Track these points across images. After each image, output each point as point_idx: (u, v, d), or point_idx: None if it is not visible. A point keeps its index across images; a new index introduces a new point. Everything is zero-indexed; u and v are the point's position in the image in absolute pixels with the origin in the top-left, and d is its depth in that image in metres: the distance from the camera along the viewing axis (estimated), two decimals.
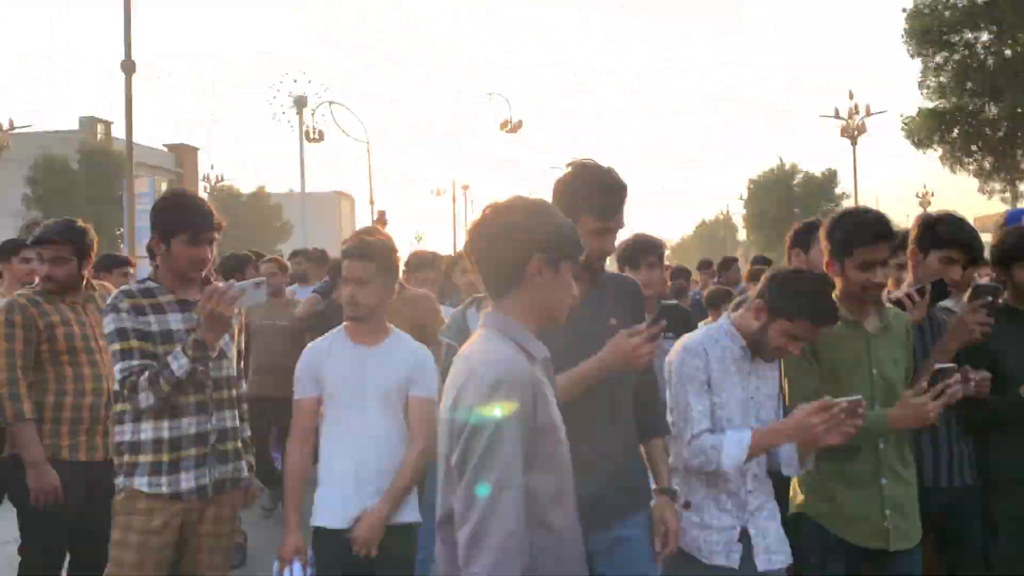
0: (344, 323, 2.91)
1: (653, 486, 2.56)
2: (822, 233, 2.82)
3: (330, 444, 2.82)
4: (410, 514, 2.86)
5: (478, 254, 1.86)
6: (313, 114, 30.62)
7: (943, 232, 3.05)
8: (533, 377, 1.73)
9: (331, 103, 31.57)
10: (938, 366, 2.63)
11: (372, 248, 2.83)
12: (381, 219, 17.86)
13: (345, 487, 2.77)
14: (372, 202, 33.14)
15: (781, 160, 44.04)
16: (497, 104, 31.85)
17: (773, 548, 2.58)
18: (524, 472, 1.65)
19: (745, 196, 45.83)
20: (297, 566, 2.74)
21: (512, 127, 31.34)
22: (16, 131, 35.33)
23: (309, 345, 2.93)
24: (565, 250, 1.85)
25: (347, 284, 2.81)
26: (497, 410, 1.63)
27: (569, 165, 2.51)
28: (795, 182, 43.29)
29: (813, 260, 3.35)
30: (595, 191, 2.43)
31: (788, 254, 3.74)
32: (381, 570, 2.76)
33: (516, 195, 1.88)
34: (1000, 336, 2.94)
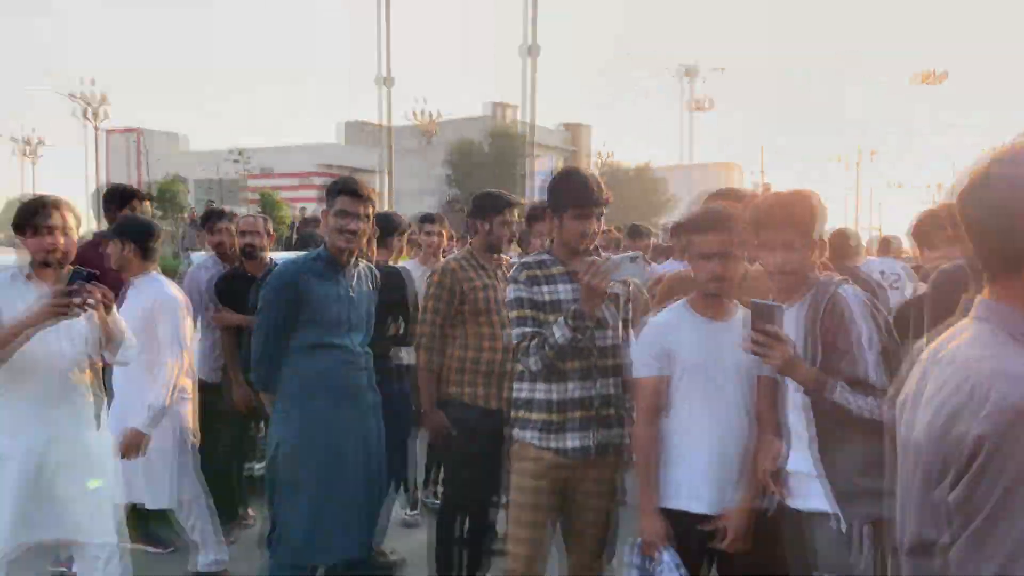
0: (688, 296, 2.82)
1: None
2: None
3: (686, 425, 2.71)
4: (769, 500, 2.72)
5: (975, 220, 1.39)
6: (704, 82, 30.47)
7: None
8: None
9: (722, 70, 31.15)
10: None
11: (731, 219, 2.68)
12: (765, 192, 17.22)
13: (707, 470, 2.68)
14: (762, 172, 32.15)
15: None
16: (909, 55, 28.49)
17: None
18: None
19: None
20: (667, 554, 2.63)
21: (936, 78, 27.70)
22: (441, 119, 40.78)
23: (650, 321, 2.85)
24: None
25: (709, 259, 2.67)
26: (1019, 444, 1.22)
27: None
28: None
29: None
30: None
31: None
32: (739, 557, 2.66)
33: None
34: None
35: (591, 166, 42.66)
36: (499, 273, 3.90)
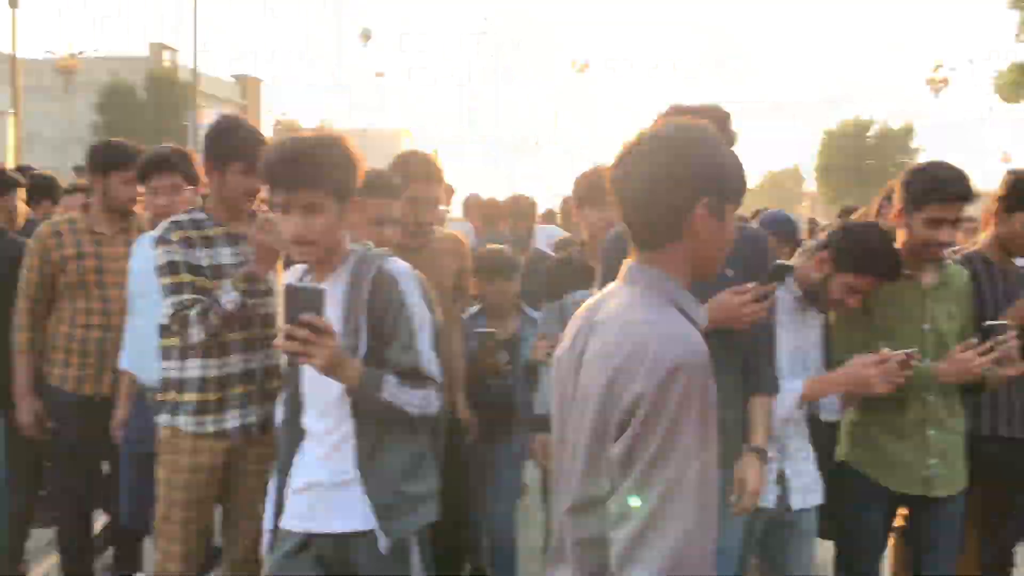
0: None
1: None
2: (898, 183, 2.76)
3: None
4: None
5: (628, 196, 1.48)
6: (367, 43, 30.26)
7: None
8: (707, 354, 1.39)
9: (399, 34, 31.41)
10: (988, 323, 2.69)
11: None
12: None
13: None
14: (428, 140, 33.13)
15: (858, 117, 45.18)
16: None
17: (808, 488, 2.68)
18: (698, 458, 1.34)
19: (817, 148, 46.46)
20: None
21: (583, 67, 30.86)
22: (85, 55, 35.67)
23: None
24: (732, 191, 1.49)
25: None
26: (675, 399, 1.32)
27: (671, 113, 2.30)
28: (869, 134, 44.28)
29: None
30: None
31: (882, 206, 3.66)
32: None
33: (672, 120, 1.52)
34: None
35: (262, 123, 40.69)
36: (118, 239, 3.49)
